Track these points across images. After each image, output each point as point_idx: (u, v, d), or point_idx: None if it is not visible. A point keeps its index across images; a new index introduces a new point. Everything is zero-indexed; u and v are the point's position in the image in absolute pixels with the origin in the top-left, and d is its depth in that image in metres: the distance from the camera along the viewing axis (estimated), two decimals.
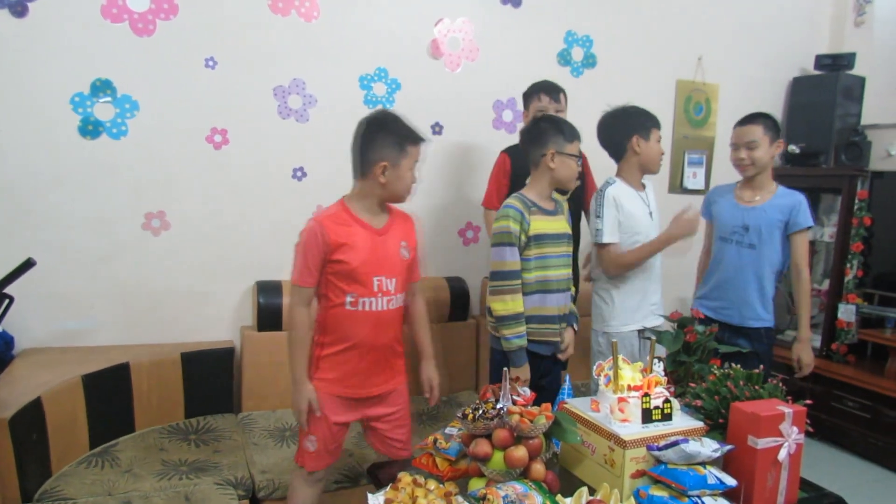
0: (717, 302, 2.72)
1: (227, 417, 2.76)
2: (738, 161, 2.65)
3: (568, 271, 2.37)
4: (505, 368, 1.73)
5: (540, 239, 2.27)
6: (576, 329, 2.46)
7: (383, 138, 1.94)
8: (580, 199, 2.90)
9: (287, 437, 2.64)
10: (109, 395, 2.47)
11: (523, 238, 2.24)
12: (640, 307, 2.53)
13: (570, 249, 2.40)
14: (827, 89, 3.95)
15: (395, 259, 2.03)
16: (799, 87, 4.16)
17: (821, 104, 3.95)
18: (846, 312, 3.74)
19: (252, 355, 2.81)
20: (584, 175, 2.90)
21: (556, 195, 2.38)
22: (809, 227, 2.61)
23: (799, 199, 2.60)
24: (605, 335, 2.52)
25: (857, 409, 3.53)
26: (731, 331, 2.64)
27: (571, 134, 2.28)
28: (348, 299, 1.96)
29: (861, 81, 4.02)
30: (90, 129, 2.63)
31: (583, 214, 2.97)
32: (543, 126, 2.30)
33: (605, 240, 2.47)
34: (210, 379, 2.77)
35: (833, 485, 1.81)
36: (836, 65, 3.96)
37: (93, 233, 2.69)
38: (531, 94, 2.86)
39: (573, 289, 2.46)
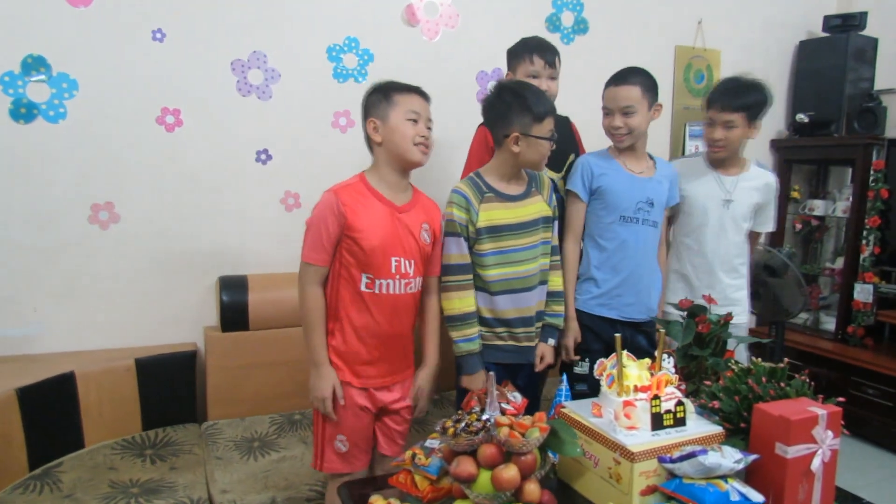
0: (622, 298, 2.29)
1: (189, 428, 2.51)
2: (613, 129, 2.24)
3: (539, 263, 2.04)
4: (491, 372, 1.48)
5: (497, 231, 1.97)
6: (551, 343, 2.11)
7: (370, 97, 1.89)
8: None
9: (255, 449, 2.39)
10: (51, 410, 2.21)
11: (471, 229, 1.96)
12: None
13: (548, 236, 2.07)
14: (836, 52, 3.70)
15: (416, 240, 1.89)
16: (806, 51, 3.90)
17: (830, 69, 3.71)
18: (863, 293, 3.54)
19: (217, 358, 2.56)
20: (577, 147, 2.61)
21: (549, 171, 2.09)
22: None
23: (675, 173, 2.39)
24: None
25: (877, 397, 3.32)
26: (632, 328, 2.29)
27: (540, 112, 1.91)
28: (364, 280, 1.82)
29: (874, 43, 3.77)
30: (23, 112, 2.36)
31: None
32: (507, 100, 1.94)
33: None
34: (170, 386, 2.51)
35: (856, 481, 1.61)
36: (845, 25, 3.71)
37: (32, 228, 2.43)
38: (520, 53, 2.40)
39: (556, 280, 2.14)
